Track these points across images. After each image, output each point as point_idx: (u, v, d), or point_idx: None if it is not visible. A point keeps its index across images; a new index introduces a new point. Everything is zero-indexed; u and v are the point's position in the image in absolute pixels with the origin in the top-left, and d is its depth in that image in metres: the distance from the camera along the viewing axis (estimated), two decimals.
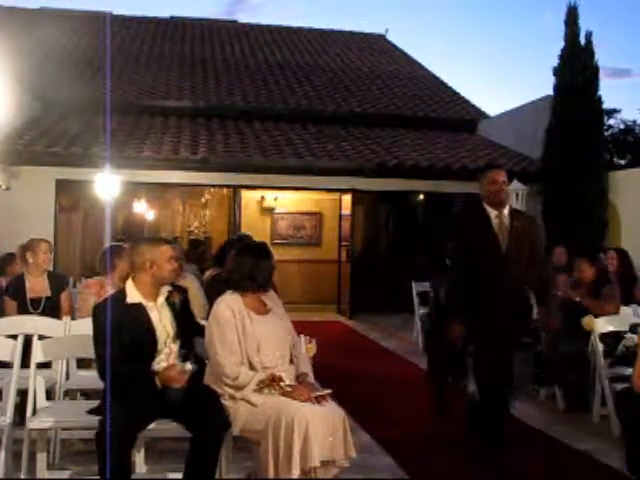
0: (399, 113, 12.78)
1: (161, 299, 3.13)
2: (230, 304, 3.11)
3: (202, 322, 3.38)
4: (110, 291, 4.23)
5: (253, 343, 3.04)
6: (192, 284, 4.59)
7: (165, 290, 3.18)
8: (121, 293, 3.10)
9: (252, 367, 3.02)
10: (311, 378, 3.21)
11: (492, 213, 3.84)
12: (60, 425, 3.25)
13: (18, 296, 4.52)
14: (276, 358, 3.09)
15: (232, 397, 2.98)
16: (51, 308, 4.54)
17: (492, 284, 3.76)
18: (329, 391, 3.02)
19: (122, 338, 2.90)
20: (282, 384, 2.95)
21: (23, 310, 4.46)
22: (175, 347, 3.08)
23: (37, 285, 4.60)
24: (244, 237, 5.40)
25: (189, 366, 2.92)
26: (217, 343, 3.04)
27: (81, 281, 7.12)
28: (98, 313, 2.99)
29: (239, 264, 3.24)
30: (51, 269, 4.94)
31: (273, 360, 3.07)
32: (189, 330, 3.20)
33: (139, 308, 3.05)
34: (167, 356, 3.05)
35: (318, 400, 2.92)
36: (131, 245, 3.37)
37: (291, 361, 3.19)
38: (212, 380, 3.07)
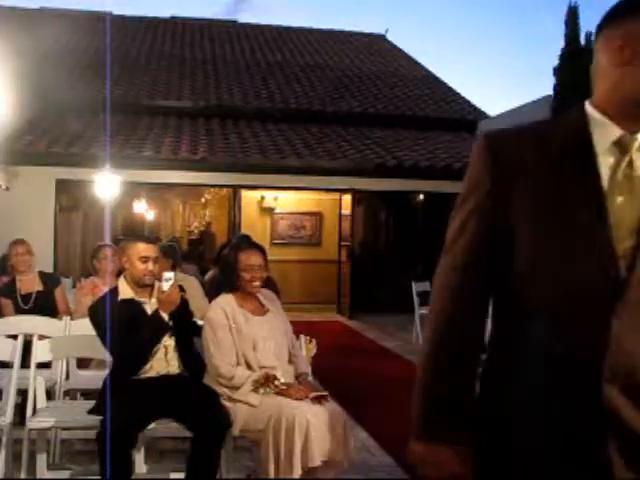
0: (399, 113, 12.77)
1: (155, 297, 3.15)
2: (223, 305, 3.13)
3: (201, 322, 3.38)
4: (105, 290, 4.25)
5: (249, 343, 3.05)
6: (192, 284, 4.60)
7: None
8: (114, 290, 3.13)
9: (249, 367, 3.03)
10: (310, 378, 3.21)
11: (607, 139, 1.17)
12: (60, 425, 3.24)
13: (11, 294, 4.57)
14: (274, 358, 3.09)
15: (230, 398, 2.99)
16: (42, 303, 4.54)
17: (588, 361, 1.08)
18: (325, 393, 3.02)
19: (122, 330, 2.93)
20: (277, 382, 2.94)
21: (16, 307, 4.50)
22: (172, 342, 3.09)
23: (27, 282, 4.65)
24: (244, 237, 5.41)
25: (167, 275, 3.02)
26: (211, 345, 3.06)
27: (80, 281, 7.12)
28: (93, 312, 3.03)
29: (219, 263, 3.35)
30: (30, 269, 4.85)
31: (270, 360, 3.07)
32: (186, 329, 3.20)
33: (132, 303, 3.08)
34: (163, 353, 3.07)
35: (318, 400, 2.93)
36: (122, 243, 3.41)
37: (290, 361, 3.20)
38: (211, 380, 3.08)
